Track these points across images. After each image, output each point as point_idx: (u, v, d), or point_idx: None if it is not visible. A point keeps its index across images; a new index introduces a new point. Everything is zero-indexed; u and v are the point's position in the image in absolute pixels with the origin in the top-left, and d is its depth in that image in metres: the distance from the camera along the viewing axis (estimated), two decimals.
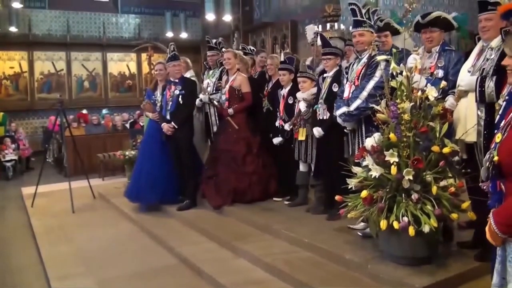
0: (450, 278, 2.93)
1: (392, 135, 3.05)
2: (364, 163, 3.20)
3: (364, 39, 3.68)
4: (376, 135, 3.21)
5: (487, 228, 1.83)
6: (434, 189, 2.91)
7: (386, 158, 3.01)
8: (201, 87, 5.84)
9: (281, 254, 3.69)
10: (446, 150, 2.98)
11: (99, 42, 13.41)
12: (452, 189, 2.97)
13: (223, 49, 5.73)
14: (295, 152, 4.63)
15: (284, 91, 4.84)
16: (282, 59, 5.07)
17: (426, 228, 2.83)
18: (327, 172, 4.24)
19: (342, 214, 3.32)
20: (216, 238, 4.32)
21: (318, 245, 3.63)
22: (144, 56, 12.68)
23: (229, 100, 5.21)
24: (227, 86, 5.24)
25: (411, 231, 2.83)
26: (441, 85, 3.11)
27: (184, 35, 13.98)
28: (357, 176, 3.22)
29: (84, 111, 11.59)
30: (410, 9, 3.33)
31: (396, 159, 2.98)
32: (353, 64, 3.85)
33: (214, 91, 5.58)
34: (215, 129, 5.62)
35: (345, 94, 3.79)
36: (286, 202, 4.87)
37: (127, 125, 10.58)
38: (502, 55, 2.84)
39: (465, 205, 2.97)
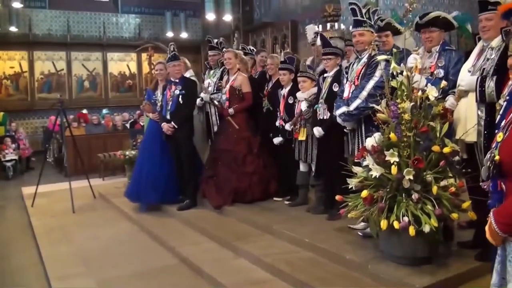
0: (451, 278, 2.93)
1: (392, 135, 3.05)
2: (365, 163, 3.20)
3: (364, 39, 3.68)
4: (377, 135, 3.21)
5: (487, 228, 1.83)
6: (434, 189, 2.91)
7: (387, 158, 3.01)
8: (201, 86, 5.84)
9: (281, 254, 3.69)
10: (446, 150, 2.98)
11: (99, 42, 13.41)
12: (453, 189, 2.97)
13: (224, 49, 5.74)
14: (295, 152, 4.63)
15: (284, 91, 4.84)
16: (282, 59, 5.07)
17: (426, 228, 2.83)
18: (327, 172, 4.24)
19: (343, 214, 3.32)
20: (217, 238, 4.32)
21: (318, 245, 3.62)
22: (144, 56, 12.66)
23: (230, 100, 5.21)
24: (228, 86, 5.24)
25: (412, 231, 2.83)
26: (442, 85, 3.11)
27: (184, 35, 13.98)
28: (358, 176, 3.22)
29: (84, 111, 11.60)
30: (410, 9, 3.33)
31: (397, 159, 2.98)
32: (353, 64, 3.85)
33: (215, 91, 5.58)
34: (215, 129, 5.62)
35: (345, 94, 3.79)
36: (287, 202, 4.87)
37: (127, 125, 10.58)
38: (503, 55, 2.86)
39: (465, 205, 2.97)
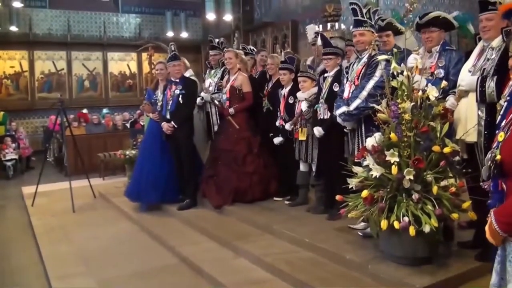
0: (451, 278, 2.93)
1: (392, 135, 3.05)
2: (365, 163, 3.20)
3: (365, 39, 3.68)
4: (377, 135, 3.21)
5: (487, 227, 1.83)
6: (434, 189, 2.91)
7: (387, 158, 3.01)
8: (202, 86, 5.84)
9: (281, 254, 3.69)
10: (446, 150, 2.98)
11: (99, 42, 13.41)
12: (453, 189, 2.97)
13: (225, 49, 5.74)
14: (295, 152, 4.63)
15: (285, 91, 4.84)
16: (282, 58, 5.07)
17: (426, 228, 2.83)
18: (327, 172, 4.24)
19: (343, 214, 3.32)
20: (217, 237, 4.32)
21: (318, 245, 3.63)
22: (144, 55, 12.68)
23: (230, 100, 5.21)
24: (228, 86, 5.24)
25: (412, 231, 2.83)
26: (442, 85, 3.11)
27: (184, 34, 13.98)
28: (358, 176, 3.22)
29: (85, 111, 11.59)
30: (411, 9, 3.32)
31: (397, 159, 2.98)
32: (353, 64, 3.85)
33: (215, 91, 5.58)
34: (216, 128, 5.62)
35: (345, 94, 3.79)
36: (287, 202, 4.87)
37: (128, 125, 10.58)
38: (503, 55, 2.86)
39: (465, 205, 2.97)
